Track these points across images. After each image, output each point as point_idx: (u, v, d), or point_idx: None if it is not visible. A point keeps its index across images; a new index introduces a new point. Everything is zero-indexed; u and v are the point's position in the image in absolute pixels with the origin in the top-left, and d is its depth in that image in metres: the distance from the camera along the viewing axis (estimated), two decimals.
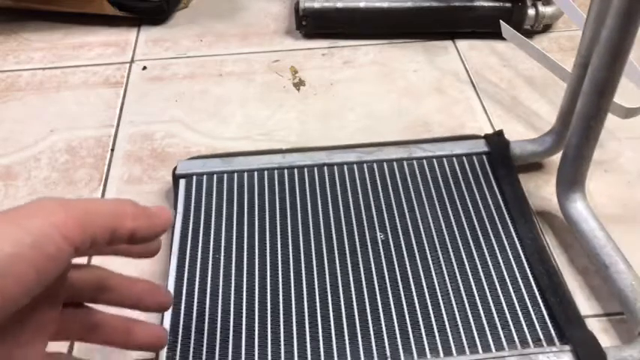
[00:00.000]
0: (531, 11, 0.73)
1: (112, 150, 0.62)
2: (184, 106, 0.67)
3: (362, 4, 0.73)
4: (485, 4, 0.73)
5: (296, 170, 0.55)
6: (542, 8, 0.73)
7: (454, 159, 0.55)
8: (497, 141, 0.56)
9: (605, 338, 0.45)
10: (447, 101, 0.67)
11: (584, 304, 0.48)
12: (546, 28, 0.76)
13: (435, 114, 0.65)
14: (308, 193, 0.53)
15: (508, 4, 0.73)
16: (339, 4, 0.73)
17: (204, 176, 0.54)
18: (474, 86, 0.69)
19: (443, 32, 0.76)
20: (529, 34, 0.74)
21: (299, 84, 0.70)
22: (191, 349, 0.43)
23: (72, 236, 0.26)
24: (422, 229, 0.50)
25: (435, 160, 0.55)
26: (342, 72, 0.71)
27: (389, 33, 0.76)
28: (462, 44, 0.75)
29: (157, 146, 0.62)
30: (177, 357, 0.42)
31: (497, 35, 0.70)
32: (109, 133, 0.64)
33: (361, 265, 0.47)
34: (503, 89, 0.68)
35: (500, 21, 0.69)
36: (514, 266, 0.47)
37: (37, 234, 0.25)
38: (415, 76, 0.70)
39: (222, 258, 0.48)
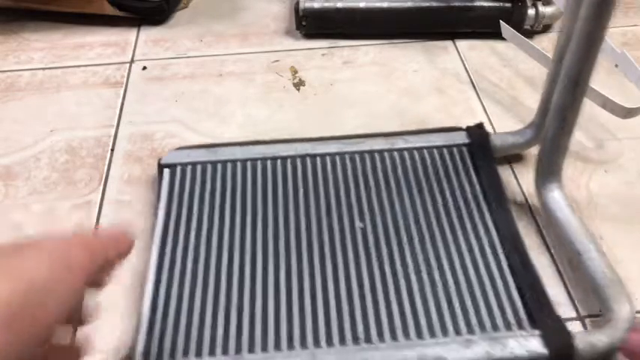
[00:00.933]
0: (531, 11, 0.73)
1: (112, 150, 0.62)
2: (184, 106, 0.67)
3: (362, 4, 0.73)
4: (485, 4, 0.73)
5: (279, 161, 0.55)
6: (542, 8, 0.73)
7: (435, 150, 0.56)
8: (477, 133, 0.57)
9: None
10: (447, 101, 0.67)
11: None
12: (546, 28, 0.76)
13: (435, 114, 0.65)
14: (290, 183, 0.54)
15: (508, 4, 0.73)
16: (339, 4, 0.73)
17: (189, 166, 0.55)
18: (474, 86, 0.69)
19: (443, 32, 0.76)
20: (529, 34, 0.74)
21: (299, 84, 0.70)
22: (169, 333, 0.43)
23: (86, 263, 0.29)
24: (400, 218, 0.51)
25: (415, 151, 0.56)
26: (342, 72, 0.71)
27: (389, 33, 0.76)
28: (462, 44, 0.75)
29: (156, 146, 0.62)
30: (155, 340, 0.43)
31: (497, 35, 0.70)
32: (109, 133, 0.64)
33: (339, 252, 0.48)
34: (503, 89, 0.68)
35: (500, 21, 0.69)
36: (488, 253, 0.48)
37: (66, 258, 0.27)
38: (415, 76, 0.70)
39: (202, 245, 0.49)
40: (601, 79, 0.68)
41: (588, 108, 0.64)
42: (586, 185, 0.57)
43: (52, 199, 0.57)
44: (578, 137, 0.62)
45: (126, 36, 0.78)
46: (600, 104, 0.59)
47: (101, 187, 0.58)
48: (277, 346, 0.42)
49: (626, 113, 0.57)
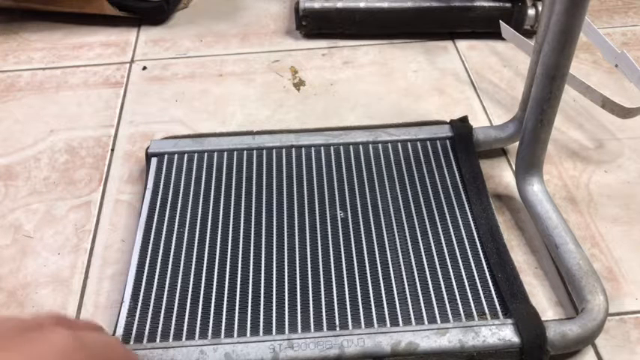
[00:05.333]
0: (531, 11, 0.73)
1: (112, 150, 0.62)
2: (184, 106, 0.67)
3: (362, 4, 0.73)
4: (485, 4, 0.73)
5: (265, 151, 0.56)
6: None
7: (418, 143, 0.57)
8: (460, 126, 0.58)
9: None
10: (447, 101, 0.67)
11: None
12: None
13: (435, 114, 0.65)
14: (274, 173, 0.54)
15: (508, 4, 0.73)
16: (339, 4, 0.73)
17: (176, 155, 0.56)
18: (474, 86, 0.69)
19: (443, 32, 0.76)
20: (529, 34, 0.74)
21: (299, 84, 0.70)
22: (149, 316, 0.44)
23: None
24: (380, 209, 0.51)
25: (399, 143, 0.57)
26: (342, 72, 0.71)
27: (389, 33, 0.76)
28: (462, 44, 0.75)
29: None
30: (136, 323, 0.43)
31: (497, 35, 0.70)
32: (109, 133, 0.64)
33: (319, 241, 0.49)
34: (503, 89, 0.68)
35: (500, 21, 0.69)
36: (466, 244, 0.48)
37: None
38: (415, 76, 0.71)
39: (186, 232, 0.50)
40: (601, 79, 0.69)
41: (588, 108, 0.64)
42: (586, 185, 0.57)
43: (52, 199, 0.57)
44: (578, 137, 0.62)
45: (126, 36, 0.78)
46: (600, 104, 0.59)
47: (101, 187, 0.58)
48: (254, 330, 0.43)
49: (626, 113, 0.57)
